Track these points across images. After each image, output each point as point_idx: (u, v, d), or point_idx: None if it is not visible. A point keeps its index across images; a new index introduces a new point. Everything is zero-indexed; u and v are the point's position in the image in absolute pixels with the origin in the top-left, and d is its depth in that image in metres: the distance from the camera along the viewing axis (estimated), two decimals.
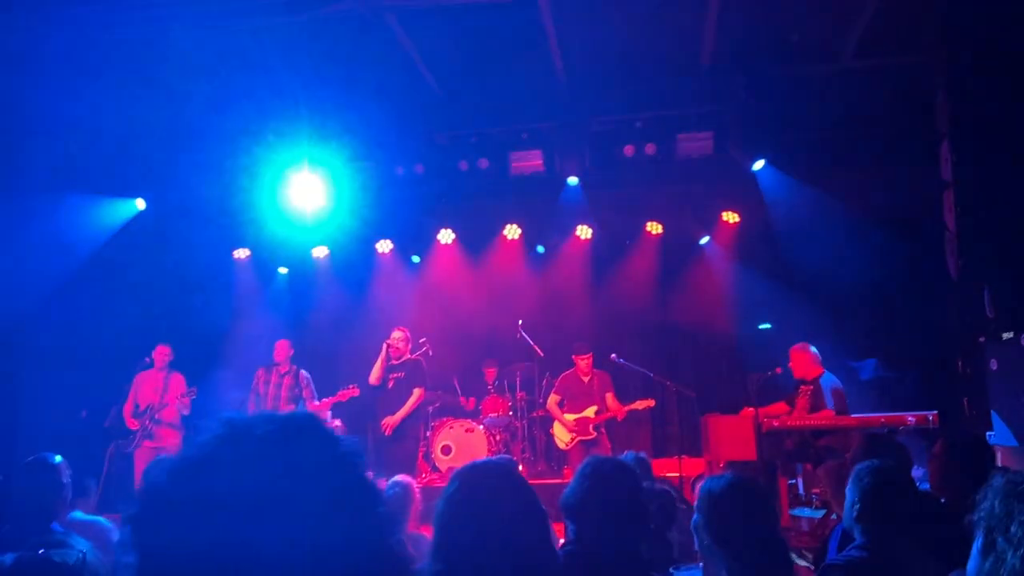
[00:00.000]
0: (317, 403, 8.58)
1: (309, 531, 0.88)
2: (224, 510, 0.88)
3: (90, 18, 6.59)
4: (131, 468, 8.39)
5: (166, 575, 0.90)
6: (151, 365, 8.72)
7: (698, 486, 2.48)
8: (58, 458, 3.70)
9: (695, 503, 2.50)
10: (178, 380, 8.62)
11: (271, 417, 0.99)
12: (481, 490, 1.99)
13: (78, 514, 3.96)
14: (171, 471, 0.94)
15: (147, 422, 8.43)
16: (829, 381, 7.37)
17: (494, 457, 1.89)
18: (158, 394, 8.51)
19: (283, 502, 0.89)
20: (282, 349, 8.77)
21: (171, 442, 8.44)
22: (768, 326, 9.39)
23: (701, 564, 2.67)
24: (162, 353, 8.69)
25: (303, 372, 8.77)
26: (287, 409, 8.39)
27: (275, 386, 8.67)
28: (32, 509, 3.57)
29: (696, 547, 2.49)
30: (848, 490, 3.05)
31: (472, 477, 2.05)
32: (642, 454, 4.49)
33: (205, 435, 0.97)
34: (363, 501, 0.96)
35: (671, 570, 2.93)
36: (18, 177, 8.11)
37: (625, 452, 4.50)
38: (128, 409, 8.56)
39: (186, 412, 8.55)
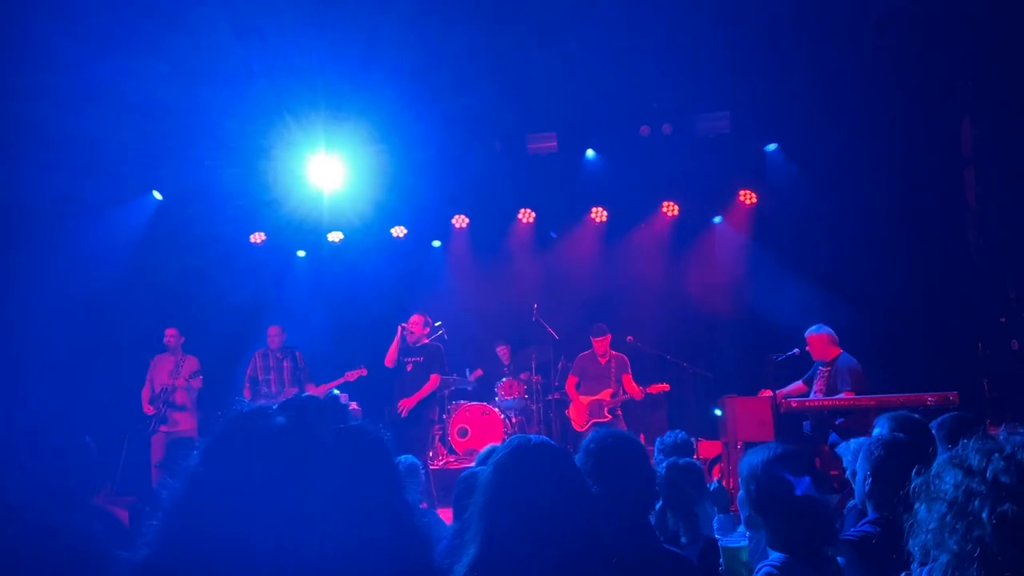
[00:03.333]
0: (315, 385, 8.70)
1: (342, 518, 0.84)
2: (254, 505, 0.83)
3: None
4: (148, 454, 8.44)
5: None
6: (165, 349, 8.76)
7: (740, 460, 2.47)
8: (86, 437, 3.70)
9: (740, 477, 2.49)
10: (191, 363, 8.64)
11: (288, 403, 0.94)
12: (529, 471, 1.84)
13: None
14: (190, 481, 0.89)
15: (161, 406, 8.47)
16: (847, 362, 7.32)
17: (538, 436, 1.72)
18: (172, 378, 8.55)
19: (309, 491, 0.84)
20: (275, 334, 8.85)
21: (186, 427, 8.46)
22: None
23: (747, 534, 2.67)
24: (171, 335, 8.71)
25: (299, 353, 8.85)
26: (291, 391, 8.49)
27: (275, 371, 8.74)
28: (60, 489, 3.55)
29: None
30: (859, 465, 3.03)
31: (520, 458, 1.90)
32: (682, 435, 4.54)
33: (217, 433, 0.91)
34: (389, 481, 0.92)
35: (717, 536, 2.94)
36: (41, 171, 8.14)
37: (669, 432, 4.53)
38: (146, 394, 8.60)
39: (194, 394, 8.60)
